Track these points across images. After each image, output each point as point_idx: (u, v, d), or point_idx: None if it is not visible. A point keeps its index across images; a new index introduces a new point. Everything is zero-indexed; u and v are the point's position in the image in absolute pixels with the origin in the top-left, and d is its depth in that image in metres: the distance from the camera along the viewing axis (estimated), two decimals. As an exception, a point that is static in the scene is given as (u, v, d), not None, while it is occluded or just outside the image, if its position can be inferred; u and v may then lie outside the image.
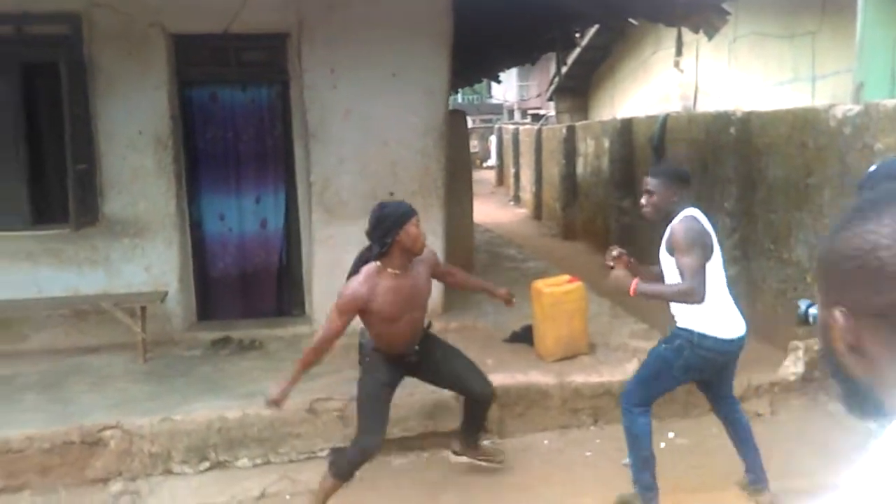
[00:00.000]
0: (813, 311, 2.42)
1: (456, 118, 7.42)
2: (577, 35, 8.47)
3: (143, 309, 5.34)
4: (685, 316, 3.43)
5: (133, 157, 5.65)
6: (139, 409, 4.39)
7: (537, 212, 14.68)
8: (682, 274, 3.30)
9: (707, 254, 3.36)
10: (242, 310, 6.23)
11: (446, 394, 4.53)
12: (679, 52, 5.94)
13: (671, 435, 4.62)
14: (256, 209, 6.21)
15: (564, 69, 14.51)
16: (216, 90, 6.07)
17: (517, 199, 17.31)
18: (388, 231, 3.47)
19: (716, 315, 3.42)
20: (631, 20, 6.91)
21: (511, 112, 34.56)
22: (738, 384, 4.94)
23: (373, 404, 3.70)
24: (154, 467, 4.23)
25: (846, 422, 4.64)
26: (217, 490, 4.07)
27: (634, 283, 3.36)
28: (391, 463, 4.39)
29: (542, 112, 21.96)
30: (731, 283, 6.20)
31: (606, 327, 5.82)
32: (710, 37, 5.40)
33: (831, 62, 6.59)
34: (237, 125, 6.13)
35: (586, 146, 11.35)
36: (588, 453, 4.48)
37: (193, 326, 5.98)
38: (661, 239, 3.65)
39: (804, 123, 5.22)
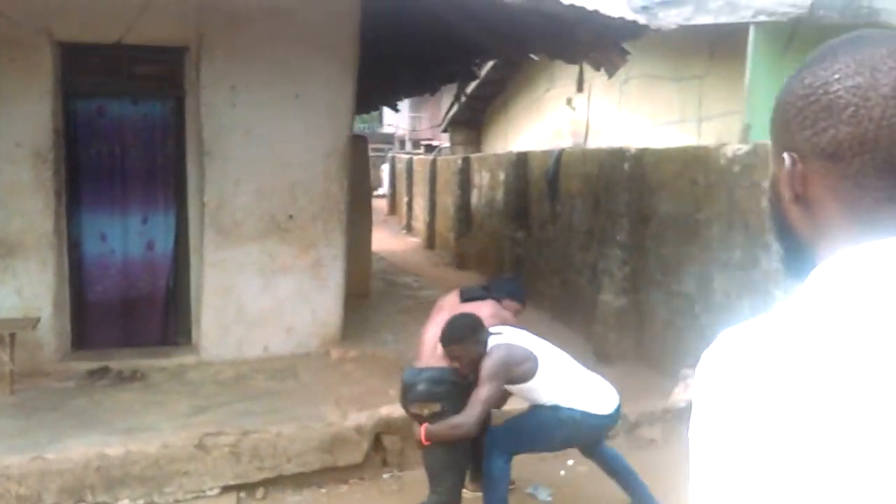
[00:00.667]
0: None
1: (357, 143, 7.32)
2: (476, 68, 8.59)
3: (13, 336, 4.89)
4: (569, 398, 3.48)
5: (9, 171, 5.22)
6: (6, 447, 3.97)
7: (430, 241, 14.71)
8: (468, 404, 3.28)
9: (518, 377, 3.42)
10: (123, 338, 5.82)
11: (346, 426, 4.37)
12: (580, 89, 6.11)
13: (570, 462, 4.63)
14: (143, 230, 5.85)
15: (462, 101, 14.74)
16: (104, 103, 5.71)
17: (409, 229, 17.32)
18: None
19: (592, 393, 3.54)
20: (532, 56, 7.06)
21: (402, 142, 34.79)
22: (632, 411, 5.06)
23: (464, 464, 3.48)
24: (21, 511, 3.82)
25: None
26: (94, 534, 3.73)
27: (423, 429, 3.32)
28: (286, 500, 4.16)
29: (435, 143, 22.19)
30: (621, 314, 6.45)
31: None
32: (610, 75, 5.58)
33: (717, 105, 6.97)
34: (125, 140, 5.78)
35: (481, 178, 11.50)
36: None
37: (67, 356, 5.52)
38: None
39: (695, 161, 5.46)
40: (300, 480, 4.26)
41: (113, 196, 5.79)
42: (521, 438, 3.59)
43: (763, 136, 5.45)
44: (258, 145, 5.65)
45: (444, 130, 17.16)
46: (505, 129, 14.30)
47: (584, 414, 3.47)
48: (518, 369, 3.39)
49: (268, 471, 4.19)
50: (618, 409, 3.61)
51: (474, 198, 11.88)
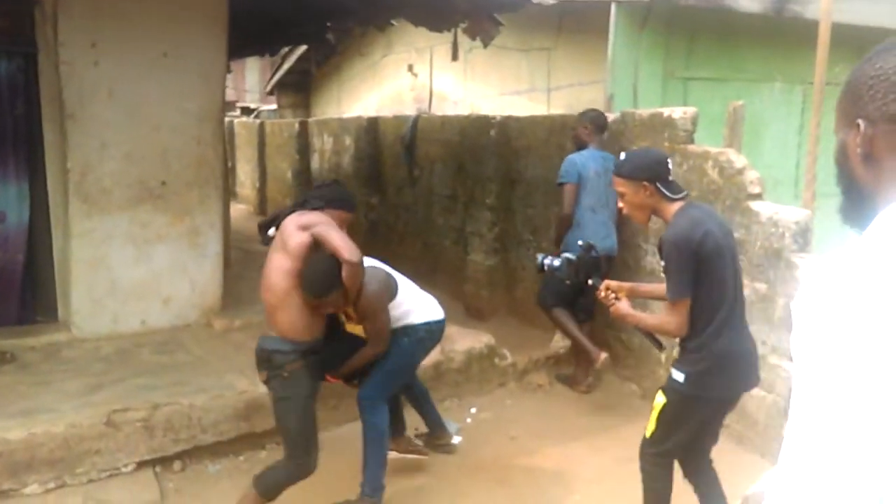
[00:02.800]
0: (547, 261, 3.27)
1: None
2: (330, 32, 8.50)
3: None
4: (418, 314, 3.77)
5: None
6: None
7: (262, 207, 14.36)
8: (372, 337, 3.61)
9: (392, 296, 3.66)
10: (-26, 318, 5.28)
11: (261, 393, 4.35)
12: (455, 57, 6.33)
13: (473, 410, 4.95)
14: (-7, 200, 5.30)
15: (288, 65, 14.39)
16: (-63, 57, 5.07)
17: (234, 195, 16.71)
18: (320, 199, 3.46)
19: (432, 304, 3.88)
20: (392, 22, 7.15)
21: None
22: (520, 360, 5.49)
23: (305, 423, 3.34)
24: (-89, 510, 3.47)
25: (609, 386, 5.39)
26: (8, 525, 3.48)
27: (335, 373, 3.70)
28: (206, 469, 4.12)
29: (252, 106, 21.42)
30: (492, 272, 6.85)
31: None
32: (485, 45, 5.84)
33: (565, 75, 7.49)
34: (-35, 100, 5.18)
35: (323, 142, 11.41)
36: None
37: (-85, 340, 4.94)
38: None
39: (563, 128, 5.88)
40: (217, 449, 4.21)
41: (-46, 163, 5.18)
42: (394, 377, 3.79)
43: (623, 105, 6.02)
44: (125, 107, 5.30)
45: (270, 93, 16.67)
46: (338, 94, 14.20)
47: (434, 322, 3.81)
48: (391, 289, 3.64)
49: (184, 442, 4.11)
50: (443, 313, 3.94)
51: (315, 163, 11.76)
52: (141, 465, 3.99)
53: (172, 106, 5.45)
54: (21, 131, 5.31)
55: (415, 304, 3.78)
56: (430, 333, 3.80)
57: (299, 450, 3.33)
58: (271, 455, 4.28)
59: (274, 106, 17.38)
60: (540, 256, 3.36)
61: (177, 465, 4.09)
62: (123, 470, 3.94)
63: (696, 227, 2.74)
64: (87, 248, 5.29)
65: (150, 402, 4.11)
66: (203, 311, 5.71)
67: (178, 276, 5.60)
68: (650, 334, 3.13)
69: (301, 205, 3.44)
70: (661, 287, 3.19)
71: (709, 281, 2.75)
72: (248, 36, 8.38)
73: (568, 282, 3.33)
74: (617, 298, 3.01)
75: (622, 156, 2.94)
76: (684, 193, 2.88)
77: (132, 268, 5.43)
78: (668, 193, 2.82)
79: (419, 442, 4.27)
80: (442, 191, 7.73)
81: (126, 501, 3.70)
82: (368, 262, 3.59)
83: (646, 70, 6.13)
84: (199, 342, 5.31)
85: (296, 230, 3.23)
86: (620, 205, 2.95)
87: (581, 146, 5.11)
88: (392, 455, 4.00)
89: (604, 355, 4.85)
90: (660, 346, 3.21)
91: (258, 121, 15.64)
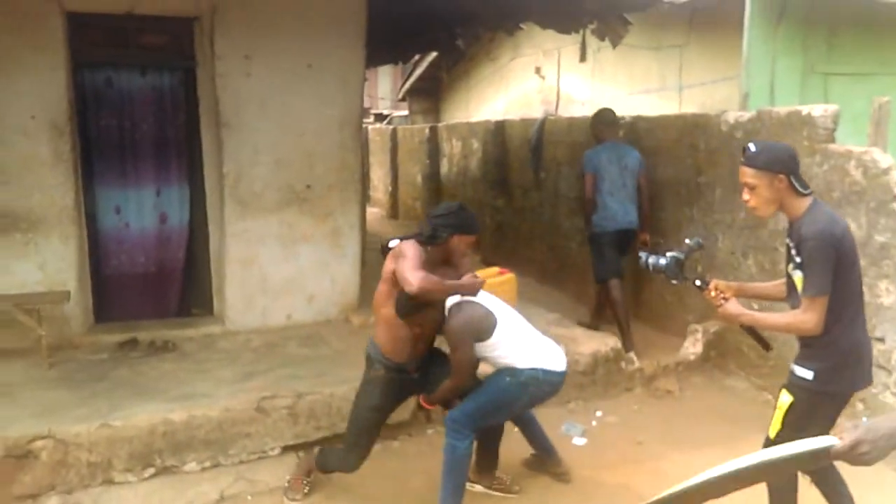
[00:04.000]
0: (651, 259, 3.25)
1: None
2: (460, 39, 8.71)
3: (38, 311, 4.89)
4: (523, 358, 3.52)
5: (24, 145, 5.13)
6: (70, 417, 4.03)
7: (394, 211, 14.84)
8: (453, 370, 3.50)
9: (481, 335, 3.46)
10: (142, 310, 5.84)
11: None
12: (583, 58, 6.38)
13: (599, 413, 4.97)
14: (157, 202, 5.84)
15: (419, 72, 14.81)
16: (112, 74, 5.65)
17: (368, 199, 17.35)
18: (448, 227, 3.51)
19: (546, 351, 3.62)
20: (521, 26, 7.25)
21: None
22: (648, 366, 5.44)
23: (359, 427, 3.66)
24: (93, 478, 3.91)
25: (743, 395, 5.25)
26: (171, 496, 3.86)
27: (421, 397, 3.73)
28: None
29: (385, 112, 22.15)
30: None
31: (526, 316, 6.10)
32: (614, 45, 5.84)
33: (698, 73, 7.33)
34: (134, 112, 5.74)
35: (451, 147, 11.67)
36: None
37: (93, 329, 5.53)
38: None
39: (695, 127, 5.79)
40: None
41: (125, 169, 5.76)
42: (485, 411, 3.57)
43: (759, 103, 5.84)
44: (274, 115, 5.70)
45: (402, 99, 17.20)
46: (466, 98, 14.46)
47: (545, 372, 3.51)
48: (480, 326, 3.45)
49: (325, 430, 4.39)
50: (566, 367, 3.65)
51: (444, 167, 12.05)
52: (286, 449, 4.30)
53: (316, 113, 5.81)
54: (182, 139, 5.85)
55: (519, 349, 3.53)
56: (536, 381, 3.50)
57: (346, 443, 3.72)
58: (405, 445, 4.52)
59: (406, 112, 17.92)
60: (643, 255, 3.27)
61: (318, 451, 4.36)
62: (270, 453, 4.26)
63: (835, 223, 2.74)
64: (240, 248, 5.73)
65: (295, 391, 4.42)
66: (342, 307, 6.04)
67: (321, 274, 5.95)
68: (757, 334, 3.07)
69: (416, 236, 3.55)
70: (768, 286, 3.21)
71: (843, 277, 2.72)
72: (382, 45, 8.74)
73: (675, 281, 3.24)
74: (725, 299, 2.96)
75: (752, 147, 2.81)
76: (811, 190, 2.83)
77: (280, 266, 5.83)
78: (799, 188, 2.78)
79: (507, 479, 4.01)
80: (568, 192, 7.74)
81: (273, 483, 4.00)
82: (477, 297, 3.52)
83: (783, 65, 5.92)
84: (339, 336, 5.62)
85: (390, 259, 3.53)
86: (746, 197, 2.83)
87: (600, 141, 5.91)
88: (477, 489, 3.95)
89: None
90: (767, 347, 3.14)
91: (391, 127, 16.17)
